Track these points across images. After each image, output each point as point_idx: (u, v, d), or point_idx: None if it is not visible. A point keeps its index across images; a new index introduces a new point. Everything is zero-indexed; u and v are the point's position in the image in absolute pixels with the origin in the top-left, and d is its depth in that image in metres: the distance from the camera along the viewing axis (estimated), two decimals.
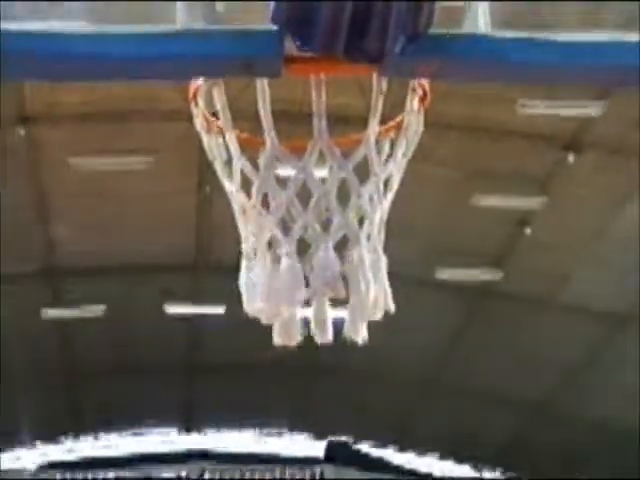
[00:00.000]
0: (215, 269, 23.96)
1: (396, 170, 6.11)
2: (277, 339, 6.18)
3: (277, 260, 6.10)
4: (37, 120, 21.57)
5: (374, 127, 6.04)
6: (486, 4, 4.99)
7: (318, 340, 6.14)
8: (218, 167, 6.16)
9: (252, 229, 6.16)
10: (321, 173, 6.12)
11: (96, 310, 27.58)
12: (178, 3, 4.91)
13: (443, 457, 36.06)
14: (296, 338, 6.18)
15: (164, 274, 26.37)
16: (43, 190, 23.82)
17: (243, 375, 29.03)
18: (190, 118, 6.16)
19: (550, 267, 25.33)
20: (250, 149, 6.11)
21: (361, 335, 6.17)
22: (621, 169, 22.49)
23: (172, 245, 25.43)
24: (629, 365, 27.02)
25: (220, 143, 6.16)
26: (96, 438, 36.02)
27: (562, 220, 23.81)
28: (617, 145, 22.01)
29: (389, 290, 6.19)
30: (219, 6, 4.98)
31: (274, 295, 6.06)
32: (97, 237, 25.12)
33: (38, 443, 35.37)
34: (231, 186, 6.17)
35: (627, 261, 24.42)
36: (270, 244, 6.11)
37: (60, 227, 25.03)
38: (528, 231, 24.47)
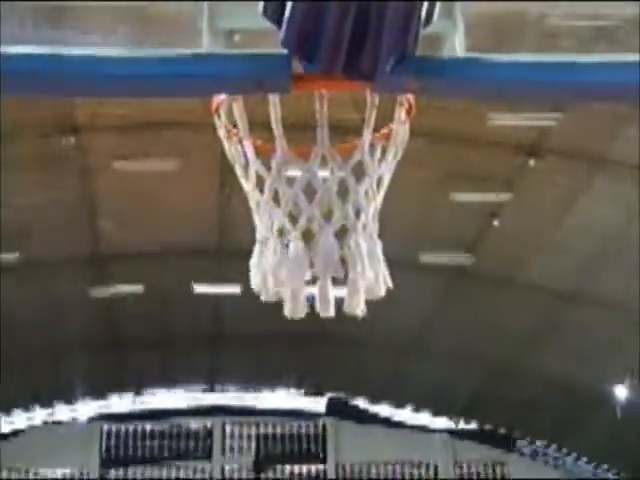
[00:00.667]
0: (234, 254, 23.91)
1: (387, 171, 6.10)
2: (287, 313, 6.15)
3: (286, 246, 6.08)
4: (85, 129, 21.51)
5: (368, 135, 6.02)
6: (462, 31, 4.94)
7: (322, 314, 6.11)
8: (237, 169, 6.13)
9: (265, 220, 6.13)
10: (323, 174, 6.11)
11: (135, 289, 27.58)
12: (204, 31, 4.85)
13: (425, 410, 36.06)
14: (303, 312, 6.15)
15: (192, 258, 26.34)
16: (91, 189, 23.79)
17: (258, 343, 29.05)
18: (214, 128, 6.11)
19: (514, 252, 25.39)
20: (264, 154, 6.09)
21: (359, 309, 6.15)
22: (573, 171, 22.52)
23: (198, 234, 25.44)
24: (578, 332, 27.16)
25: (239, 149, 6.13)
26: (136, 396, 36.02)
27: (525, 213, 23.86)
28: (570, 151, 22.03)
29: (386, 271, 6.17)
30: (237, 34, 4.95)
31: (283, 275, 6.04)
32: (136, 228, 25.09)
33: (88, 399, 35.38)
34: (248, 185, 6.16)
35: (577, 246, 24.45)
36: (280, 232, 6.08)
37: (105, 220, 25.00)
38: (496, 222, 24.49)
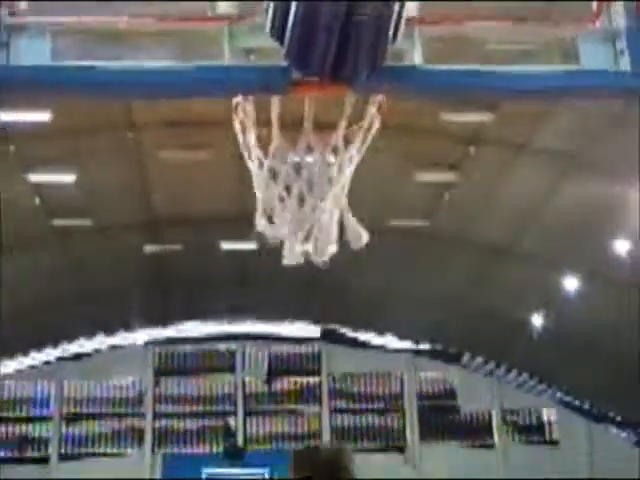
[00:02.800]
0: (251, 220, 23.84)
1: (356, 154, 6.04)
2: (285, 262, 6.13)
3: (283, 210, 6.06)
4: (139, 126, 21.48)
5: (342, 127, 6.00)
6: (419, 48, 4.91)
7: (315, 261, 6.10)
8: (245, 155, 6.11)
9: (265, 191, 6.11)
10: (309, 158, 6.08)
11: (177, 247, 27.61)
12: (226, 49, 4.82)
13: (394, 335, 36.16)
14: (296, 261, 6.13)
15: (219, 223, 26.36)
16: (144, 172, 23.79)
17: (270, 287, 29.06)
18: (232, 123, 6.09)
19: (460, 218, 25.44)
20: (265, 143, 6.06)
21: (327, 257, 6.14)
22: (503, 156, 22.54)
23: (223, 204, 25.44)
24: (509, 276, 27.28)
25: (249, 139, 6.10)
26: (178, 325, 36.07)
27: (467, 189, 23.87)
28: (501, 141, 22.06)
29: (357, 227, 6.15)
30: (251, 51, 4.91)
31: (282, 232, 6.03)
32: (177, 201, 25.12)
33: (143, 328, 35.45)
34: (253, 166, 6.12)
35: (505, 214, 24.55)
36: (280, 200, 6.05)
37: (155, 195, 25.02)
38: (447, 196, 24.52)
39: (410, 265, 27.69)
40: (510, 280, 27.34)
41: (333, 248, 6.10)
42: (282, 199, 5.98)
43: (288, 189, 5.96)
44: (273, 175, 5.96)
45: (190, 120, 20.70)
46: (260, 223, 6.11)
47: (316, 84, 4.78)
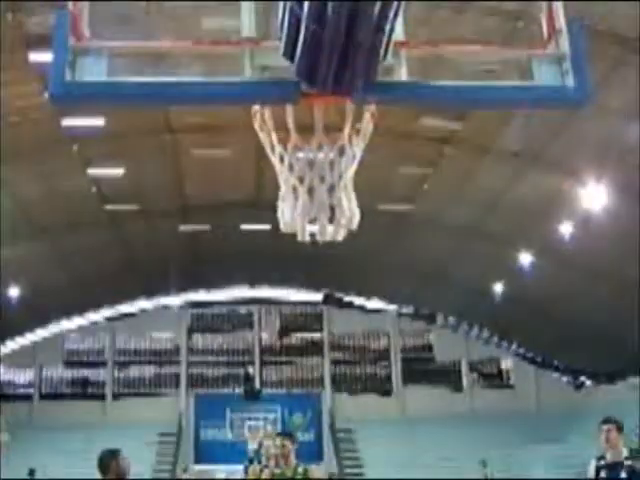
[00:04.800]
0: (266, 205, 23.76)
1: (358, 152, 6.01)
2: (299, 238, 6.10)
3: (297, 198, 6.02)
4: (176, 128, 21.44)
5: (347, 129, 5.97)
6: (404, 65, 4.89)
7: (320, 239, 6.06)
8: (268, 150, 6.08)
9: (284, 181, 6.07)
10: (320, 154, 6.04)
11: (205, 227, 27.58)
12: (247, 66, 4.80)
13: (382, 299, 36.17)
14: (306, 238, 6.10)
15: (240, 208, 26.28)
16: (179, 166, 23.76)
17: (282, 260, 28.97)
18: (252, 128, 6.07)
19: (436, 204, 25.37)
20: (283, 140, 6.04)
21: (340, 237, 6.09)
22: (471, 155, 22.47)
23: (243, 191, 25.36)
24: (477, 253, 27.22)
25: (269, 138, 6.06)
26: (207, 291, 36.19)
27: (441, 181, 23.80)
28: (470, 142, 21.99)
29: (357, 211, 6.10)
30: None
31: (296, 215, 5.99)
32: (206, 189, 25.06)
33: (179, 293, 35.54)
34: (274, 159, 6.09)
35: (474, 200, 24.49)
36: (294, 189, 6.02)
37: (187, 185, 24.98)
38: (425, 186, 24.47)
39: (394, 242, 27.71)
40: (477, 254, 27.31)
41: (353, 225, 6.05)
42: (298, 188, 5.93)
43: (302, 180, 5.93)
44: (290, 168, 5.94)
45: (217, 124, 20.65)
46: (280, 209, 6.06)
47: (321, 95, 4.78)
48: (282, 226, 6.04)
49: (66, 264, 28.02)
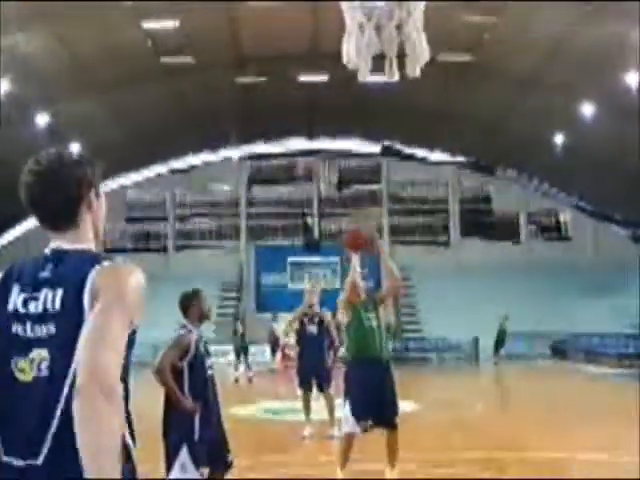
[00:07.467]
0: (324, 55, 23.18)
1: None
2: (360, 78, 5.86)
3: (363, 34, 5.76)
4: None
5: None
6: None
7: (387, 79, 5.81)
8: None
9: (351, 19, 5.77)
10: None
11: (262, 79, 27.12)
12: None
13: (443, 151, 35.89)
14: (368, 77, 5.83)
15: (297, 59, 25.77)
16: (234, 19, 23.17)
17: (337, 111, 28.49)
18: None
19: (498, 51, 24.43)
20: None
21: (415, 73, 5.85)
22: None
23: (299, 42, 24.81)
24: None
25: None
26: (267, 143, 36.24)
27: (505, 28, 22.85)
28: None
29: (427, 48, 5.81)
30: None
31: (361, 50, 5.75)
32: (261, 42, 24.53)
33: (239, 145, 35.65)
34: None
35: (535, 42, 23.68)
36: (360, 26, 5.73)
37: (243, 36, 24.41)
38: (486, 35, 23.58)
39: (456, 93, 27.09)
40: (538, 106, 26.60)
41: (424, 60, 5.78)
42: (365, 24, 5.63)
43: (369, 18, 5.64)
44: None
45: None
46: (345, 48, 5.78)
47: None
48: (345, 59, 5.80)
49: (124, 119, 28.15)
